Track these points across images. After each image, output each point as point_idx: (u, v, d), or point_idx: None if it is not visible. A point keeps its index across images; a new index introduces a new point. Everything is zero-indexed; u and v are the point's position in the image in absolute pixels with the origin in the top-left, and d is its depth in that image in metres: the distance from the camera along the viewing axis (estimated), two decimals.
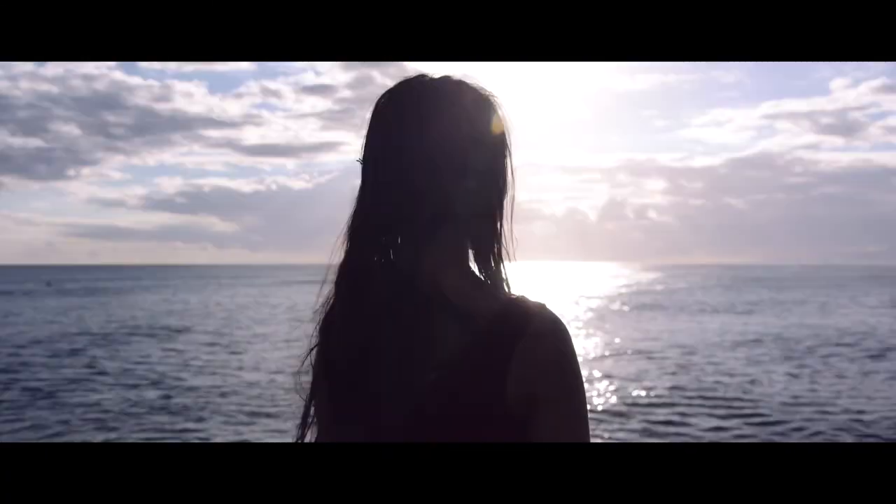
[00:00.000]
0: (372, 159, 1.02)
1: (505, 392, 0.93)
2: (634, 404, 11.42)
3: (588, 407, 0.98)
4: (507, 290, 1.04)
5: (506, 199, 1.05)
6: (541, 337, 0.95)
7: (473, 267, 1.05)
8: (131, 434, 9.65)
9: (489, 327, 0.96)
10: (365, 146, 1.04)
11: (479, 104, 1.03)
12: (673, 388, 12.71)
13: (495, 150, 1.04)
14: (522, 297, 1.01)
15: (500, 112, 1.05)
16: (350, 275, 1.02)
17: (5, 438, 9.54)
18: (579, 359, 0.99)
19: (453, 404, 0.94)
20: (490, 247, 1.05)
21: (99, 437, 9.52)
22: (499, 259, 1.05)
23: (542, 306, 0.98)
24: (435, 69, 1.07)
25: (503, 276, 1.05)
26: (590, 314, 31.01)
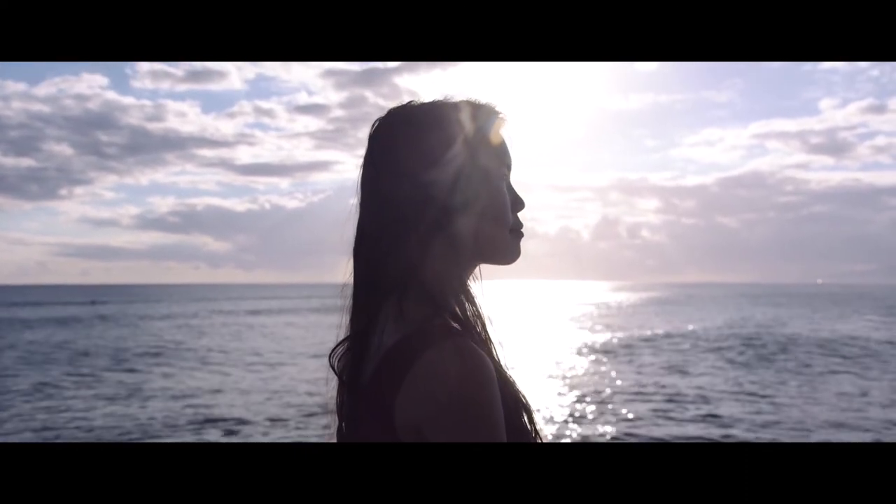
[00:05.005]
0: (360, 181, 1.06)
1: (394, 423, 0.91)
2: None
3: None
4: (439, 315, 0.98)
5: (495, 214, 1.03)
6: (430, 370, 0.88)
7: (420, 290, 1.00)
8: None
9: (390, 355, 0.93)
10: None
11: (470, 124, 1.03)
12: None
13: (485, 171, 1.02)
14: (437, 324, 0.95)
15: (496, 128, 1.04)
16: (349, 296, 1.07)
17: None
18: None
19: (359, 429, 0.99)
20: (449, 270, 1.02)
21: None
22: (448, 284, 1.02)
23: (448, 336, 0.91)
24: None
25: (441, 302, 1.00)
26: None
